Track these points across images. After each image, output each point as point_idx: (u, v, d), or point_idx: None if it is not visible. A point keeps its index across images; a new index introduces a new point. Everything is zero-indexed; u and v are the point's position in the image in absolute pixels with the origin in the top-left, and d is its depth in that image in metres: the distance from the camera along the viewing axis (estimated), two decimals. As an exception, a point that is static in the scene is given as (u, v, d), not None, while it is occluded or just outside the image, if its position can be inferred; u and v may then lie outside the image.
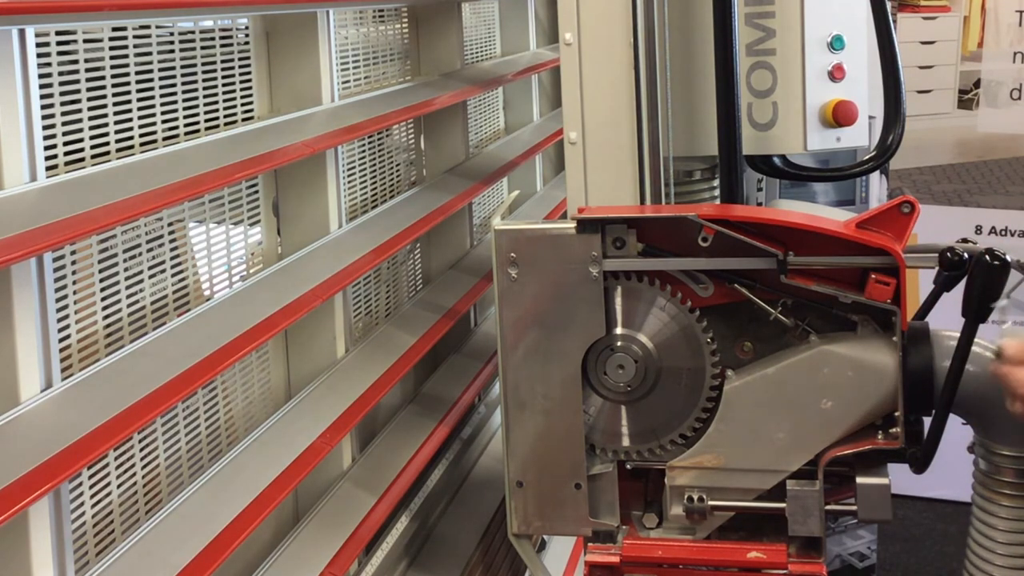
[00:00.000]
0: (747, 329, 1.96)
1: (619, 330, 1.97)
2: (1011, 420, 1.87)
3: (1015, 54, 4.41)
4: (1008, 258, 1.80)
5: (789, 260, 1.89)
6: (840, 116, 2.30)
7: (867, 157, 2.44)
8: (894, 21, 2.35)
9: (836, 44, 2.31)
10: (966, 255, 1.83)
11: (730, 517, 1.97)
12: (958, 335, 1.83)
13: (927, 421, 1.89)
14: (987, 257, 1.75)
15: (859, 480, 1.89)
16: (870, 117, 2.38)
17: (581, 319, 1.96)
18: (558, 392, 1.98)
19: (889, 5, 2.25)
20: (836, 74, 2.32)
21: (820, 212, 2.15)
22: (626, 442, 2.00)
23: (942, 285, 1.90)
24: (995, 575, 1.90)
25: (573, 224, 1.96)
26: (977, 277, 1.79)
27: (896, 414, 1.88)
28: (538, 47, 3.84)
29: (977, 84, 4.58)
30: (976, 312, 1.81)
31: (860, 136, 2.34)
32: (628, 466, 2.02)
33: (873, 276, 1.86)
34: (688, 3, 2.31)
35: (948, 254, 1.84)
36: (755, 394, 1.93)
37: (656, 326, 1.96)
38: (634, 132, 2.30)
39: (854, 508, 1.89)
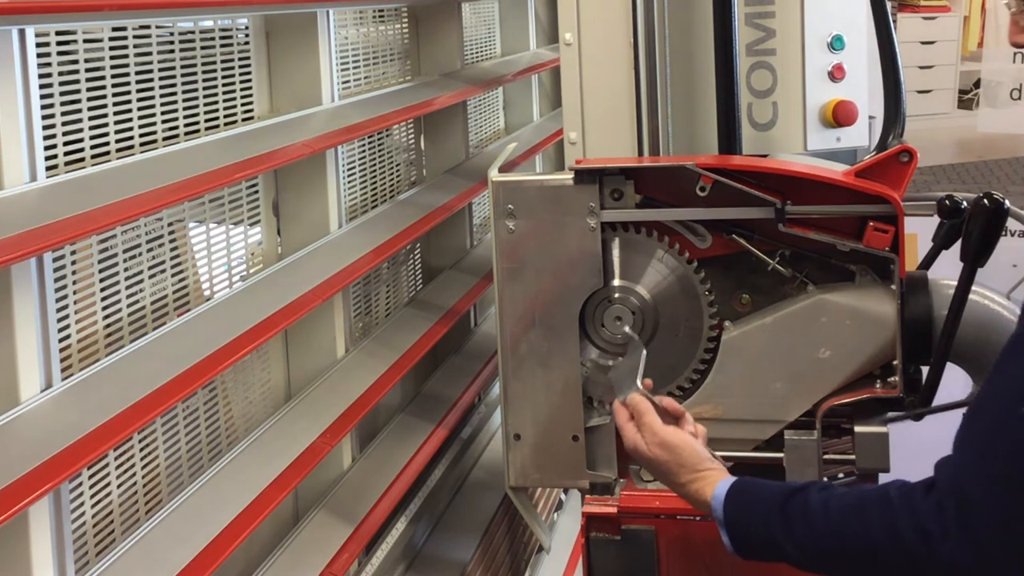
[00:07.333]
0: (745, 281, 1.95)
1: (617, 282, 1.96)
2: None
3: (1015, 54, 4.40)
4: (1007, 203, 1.75)
5: (787, 209, 1.87)
6: (840, 116, 2.30)
7: (867, 157, 2.44)
8: (894, 21, 2.34)
9: (836, 44, 2.31)
10: (964, 203, 1.81)
11: (728, 468, 1.96)
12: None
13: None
14: (985, 200, 1.73)
15: (857, 429, 1.87)
16: (870, 117, 2.38)
17: (579, 271, 1.95)
18: (556, 344, 1.97)
19: (889, 5, 2.24)
20: (836, 74, 2.32)
21: (816, 164, 2.13)
22: None
23: (941, 241, 1.88)
24: None
25: (571, 175, 1.95)
26: (975, 220, 1.75)
27: (895, 363, 1.86)
28: (538, 47, 3.84)
29: (977, 84, 4.57)
30: (974, 256, 1.77)
31: (860, 136, 2.34)
32: None
33: (872, 224, 1.84)
34: (688, 3, 2.31)
35: (946, 201, 1.81)
36: (753, 344, 1.92)
37: (654, 278, 1.95)
38: (634, 132, 2.30)
39: (852, 457, 1.88)
